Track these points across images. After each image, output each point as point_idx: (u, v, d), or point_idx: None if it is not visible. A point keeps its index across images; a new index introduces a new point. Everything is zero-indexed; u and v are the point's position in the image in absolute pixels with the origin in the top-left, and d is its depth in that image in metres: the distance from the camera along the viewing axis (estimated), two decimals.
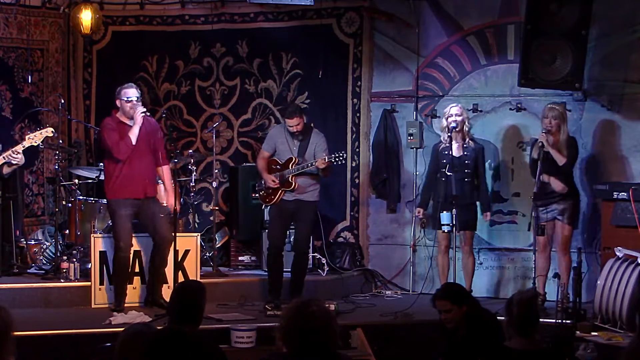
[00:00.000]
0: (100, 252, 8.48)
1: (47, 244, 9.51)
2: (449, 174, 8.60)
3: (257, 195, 8.95)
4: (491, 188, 9.42)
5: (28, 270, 9.16)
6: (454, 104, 8.88)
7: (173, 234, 8.00)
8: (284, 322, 4.23)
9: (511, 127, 9.45)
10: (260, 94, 10.33)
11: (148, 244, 8.40)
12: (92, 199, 9.25)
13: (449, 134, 8.70)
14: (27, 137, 8.18)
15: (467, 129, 8.76)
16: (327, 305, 4.50)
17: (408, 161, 9.83)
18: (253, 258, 9.87)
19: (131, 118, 8.14)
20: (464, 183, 8.65)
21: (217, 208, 9.82)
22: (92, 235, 8.70)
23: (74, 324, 7.68)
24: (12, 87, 9.95)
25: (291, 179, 8.42)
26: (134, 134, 8.07)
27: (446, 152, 8.73)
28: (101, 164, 9.24)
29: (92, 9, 10.05)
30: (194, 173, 9.35)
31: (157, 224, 8.17)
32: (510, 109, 9.43)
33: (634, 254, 7.80)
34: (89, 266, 8.58)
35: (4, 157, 8.11)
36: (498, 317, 5.70)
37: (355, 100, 10.02)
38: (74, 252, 8.86)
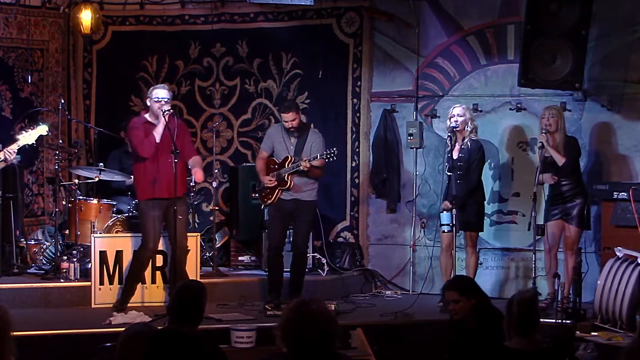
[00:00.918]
0: (100, 252, 8.48)
1: (47, 244, 9.52)
2: (448, 174, 8.61)
3: (256, 195, 8.96)
4: (491, 188, 9.43)
5: (28, 270, 9.16)
6: (458, 105, 8.86)
7: (187, 240, 8.14)
8: (283, 321, 4.23)
9: (511, 127, 9.45)
10: (260, 94, 10.33)
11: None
12: (92, 199, 9.25)
13: (449, 134, 8.68)
14: (20, 135, 8.18)
15: (469, 129, 8.70)
16: (327, 305, 4.49)
17: (408, 161, 9.83)
18: (253, 258, 9.87)
19: (158, 118, 8.12)
20: (458, 185, 8.60)
21: (217, 208, 9.82)
22: (92, 235, 8.70)
23: (74, 324, 7.68)
24: (12, 87, 9.95)
25: (287, 178, 8.41)
26: (157, 132, 8.03)
27: (448, 154, 8.72)
28: (101, 164, 9.28)
29: (92, 9, 10.05)
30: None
31: (177, 229, 8.08)
32: (510, 109, 9.43)
33: (634, 254, 7.80)
34: (89, 266, 8.59)
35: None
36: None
37: (355, 100, 10.02)
38: (74, 252, 8.87)
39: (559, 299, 8.28)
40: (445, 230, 8.52)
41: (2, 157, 8.10)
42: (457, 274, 8.42)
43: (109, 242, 8.59)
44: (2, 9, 9.81)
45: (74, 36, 10.46)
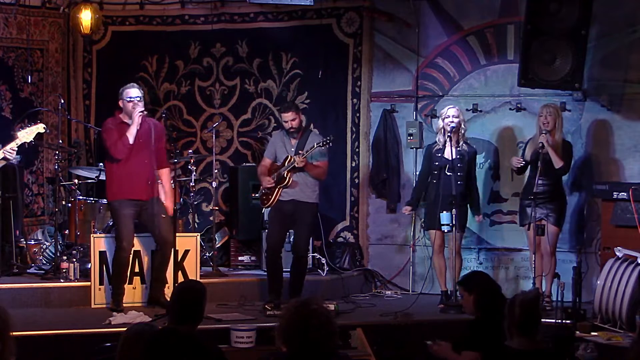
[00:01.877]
0: (100, 252, 8.47)
1: (47, 244, 9.51)
2: (448, 174, 8.60)
3: (257, 195, 8.98)
4: (491, 188, 9.44)
5: (28, 270, 9.16)
6: (451, 106, 8.87)
7: (173, 235, 8.02)
8: (283, 321, 4.23)
9: (511, 127, 9.45)
10: (260, 94, 10.33)
11: (148, 244, 8.41)
12: (92, 199, 9.25)
13: (448, 135, 8.66)
14: (18, 133, 8.18)
15: (462, 131, 8.74)
16: (326, 305, 4.50)
17: (408, 161, 9.83)
18: (253, 258, 9.87)
19: (132, 118, 8.13)
20: (458, 185, 8.62)
21: (217, 208, 9.82)
22: (92, 235, 8.70)
23: (74, 324, 7.68)
24: (12, 87, 9.95)
25: (286, 175, 8.42)
26: (131, 134, 8.05)
27: (439, 154, 8.71)
28: (101, 164, 9.27)
29: (92, 9, 10.06)
30: (194, 173, 9.35)
31: (158, 224, 8.14)
32: (510, 109, 9.43)
33: (634, 254, 7.80)
34: (89, 266, 8.58)
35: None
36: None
37: (355, 100, 10.02)
38: (74, 252, 8.86)
39: (558, 298, 8.30)
40: (446, 231, 8.53)
41: (2, 156, 8.11)
42: (454, 274, 8.45)
43: (108, 242, 8.58)
44: (2, 9, 9.80)
45: (74, 36, 10.46)
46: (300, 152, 8.37)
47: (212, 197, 9.90)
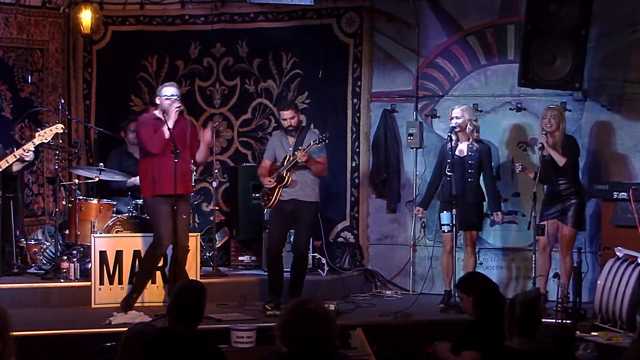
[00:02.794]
0: (100, 252, 8.48)
1: (47, 244, 9.51)
2: (449, 173, 8.61)
3: (257, 195, 8.99)
4: None
5: (28, 270, 9.16)
6: (457, 106, 8.88)
7: (188, 240, 8.14)
8: (282, 321, 4.23)
9: (511, 127, 9.45)
10: (260, 94, 10.33)
11: (149, 244, 8.41)
12: (92, 199, 9.25)
13: (449, 134, 8.70)
14: (37, 134, 8.20)
15: (470, 129, 8.74)
16: (326, 305, 4.50)
17: (408, 161, 9.83)
18: (253, 258, 9.87)
19: (168, 114, 8.10)
20: (467, 183, 8.64)
21: (217, 208, 9.82)
22: (92, 235, 8.70)
23: (74, 324, 7.68)
24: (12, 87, 9.95)
25: (285, 174, 8.42)
26: (166, 130, 8.03)
27: (450, 152, 8.72)
28: (101, 164, 9.28)
29: (92, 9, 10.06)
30: (194, 173, 9.34)
31: (179, 228, 8.07)
32: (510, 109, 9.43)
33: (634, 254, 7.80)
34: (89, 266, 8.59)
35: (14, 155, 8.14)
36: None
37: (355, 100, 10.02)
38: (74, 252, 8.87)
39: (559, 298, 8.30)
40: (445, 230, 8.54)
41: (19, 157, 8.13)
42: (457, 274, 8.44)
43: (109, 242, 8.58)
44: (2, 9, 9.80)
45: (74, 36, 10.46)
46: (300, 147, 8.35)
47: (212, 197, 9.90)
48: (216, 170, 9.70)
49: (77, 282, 8.66)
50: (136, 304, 8.27)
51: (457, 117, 8.69)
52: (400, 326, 8.07)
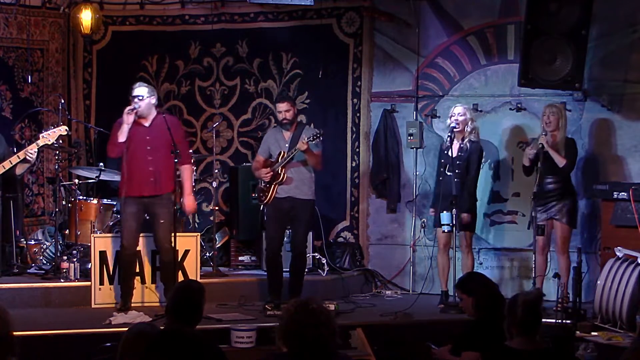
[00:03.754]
0: (100, 252, 8.48)
1: (47, 244, 9.51)
2: (448, 174, 8.61)
3: (255, 195, 8.97)
4: (491, 188, 9.43)
5: (28, 270, 9.16)
6: (459, 104, 8.88)
7: (170, 241, 8.05)
8: (282, 321, 4.23)
9: (511, 127, 9.45)
10: (260, 94, 10.33)
11: (149, 244, 8.41)
12: (92, 199, 9.25)
13: (449, 134, 8.69)
14: (41, 136, 8.21)
15: (469, 129, 8.74)
16: (326, 305, 4.50)
17: (408, 161, 9.83)
18: (253, 258, 9.87)
19: (139, 116, 8.13)
20: (457, 184, 8.61)
21: (217, 208, 9.81)
22: (92, 235, 8.70)
23: (74, 324, 7.68)
24: (12, 87, 9.96)
25: (280, 171, 8.41)
26: (122, 132, 8.05)
27: (446, 152, 8.73)
28: (101, 163, 9.28)
29: (92, 9, 10.06)
30: (194, 173, 9.35)
31: (157, 229, 8.15)
32: (510, 109, 9.43)
33: (634, 254, 7.80)
34: (89, 266, 8.59)
35: (18, 157, 8.14)
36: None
37: (355, 100, 10.02)
38: (74, 252, 8.87)
39: (559, 298, 8.30)
40: (446, 230, 8.53)
41: (22, 158, 8.13)
42: (455, 274, 8.44)
43: (109, 242, 8.58)
44: (2, 9, 9.81)
45: (74, 36, 10.47)
46: (302, 141, 8.30)
47: (212, 197, 9.90)
48: (216, 170, 9.69)
49: (77, 282, 8.66)
50: (136, 304, 8.28)
51: (459, 114, 8.68)
52: (400, 326, 8.07)
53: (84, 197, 9.28)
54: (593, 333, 7.55)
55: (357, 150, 10.01)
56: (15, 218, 9.22)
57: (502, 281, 9.34)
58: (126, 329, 5.02)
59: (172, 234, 8.04)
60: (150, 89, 8.29)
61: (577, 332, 7.54)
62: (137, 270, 8.49)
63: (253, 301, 8.69)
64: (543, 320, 5.05)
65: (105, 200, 9.21)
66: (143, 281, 8.53)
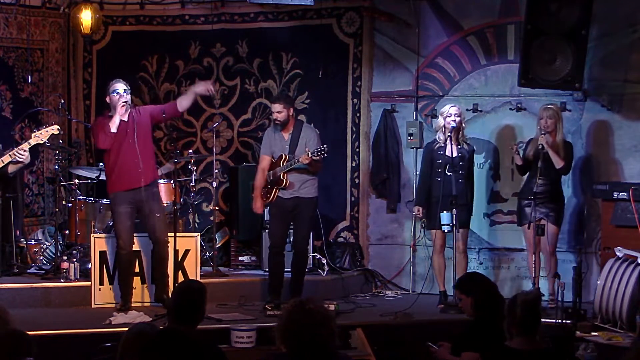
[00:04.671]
0: (100, 252, 8.48)
1: (47, 244, 9.52)
2: (449, 173, 8.60)
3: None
4: (491, 188, 9.44)
5: (28, 270, 9.17)
6: (453, 104, 8.87)
7: (167, 235, 8.06)
8: (282, 321, 4.24)
9: (511, 127, 9.46)
10: (260, 94, 10.33)
11: (148, 244, 8.40)
12: (92, 199, 9.25)
13: (449, 134, 8.66)
14: (33, 135, 8.20)
15: (463, 130, 8.76)
16: (326, 305, 4.50)
17: (408, 161, 9.83)
18: (253, 258, 9.87)
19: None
20: (459, 183, 8.62)
21: (217, 208, 9.81)
22: (92, 235, 8.70)
23: (74, 324, 7.68)
24: (12, 87, 9.96)
25: (282, 177, 8.40)
26: (114, 123, 8.09)
27: (441, 152, 8.71)
28: (101, 163, 9.27)
29: (92, 9, 10.06)
30: (194, 173, 9.35)
31: (153, 224, 8.16)
32: (510, 109, 9.44)
33: (634, 254, 7.80)
34: (89, 266, 8.59)
35: (10, 156, 8.13)
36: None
37: (355, 100, 10.02)
38: (74, 252, 8.87)
39: (550, 295, 8.33)
40: (446, 230, 8.52)
41: (14, 158, 8.11)
42: (453, 273, 8.44)
43: (108, 242, 8.58)
44: (2, 9, 9.81)
45: (74, 36, 10.47)
46: (307, 150, 8.28)
47: (212, 197, 9.89)
48: (216, 170, 9.69)
49: (77, 282, 8.66)
50: (136, 304, 8.28)
51: (456, 115, 8.67)
52: (400, 326, 8.07)
53: (84, 197, 9.28)
54: (593, 333, 7.55)
55: (357, 150, 10.01)
56: (15, 218, 9.22)
57: (501, 281, 9.34)
58: (126, 329, 5.03)
59: (165, 224, 8.12)
60: (127, 85, 8.38)
61: (577, 332, 7.54)
62: (137, 270, 8.50)
63: (253, 301, 8.70)
64: (543, 320, 5.06)
65: (105, 200, 9.20)
66: (143, 281, 8.53)
